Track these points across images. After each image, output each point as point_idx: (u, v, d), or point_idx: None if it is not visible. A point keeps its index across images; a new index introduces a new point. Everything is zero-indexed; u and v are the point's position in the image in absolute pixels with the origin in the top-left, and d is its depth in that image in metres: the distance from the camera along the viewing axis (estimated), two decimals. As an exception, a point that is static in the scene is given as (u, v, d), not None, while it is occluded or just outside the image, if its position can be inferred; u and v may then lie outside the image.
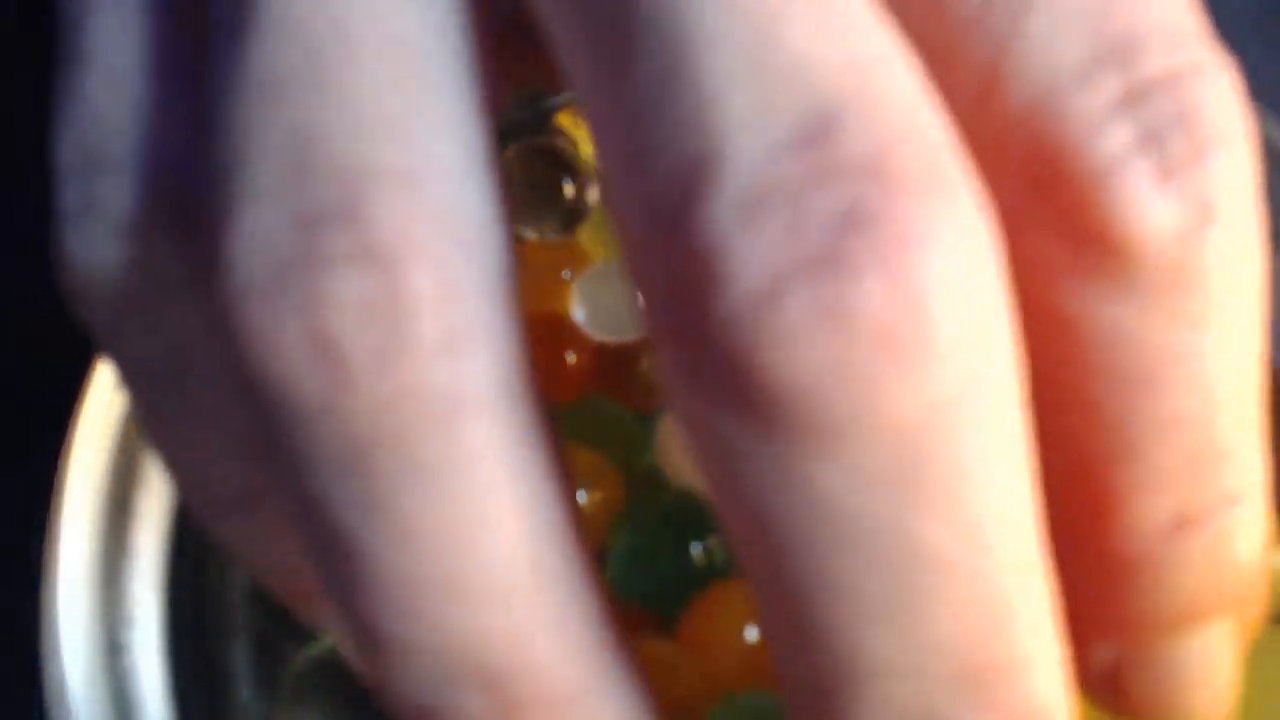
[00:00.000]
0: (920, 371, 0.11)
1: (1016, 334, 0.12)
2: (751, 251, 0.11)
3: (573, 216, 0.20)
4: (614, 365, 0.22)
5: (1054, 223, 0.13)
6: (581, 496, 0.20)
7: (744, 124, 0.11)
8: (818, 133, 0.11)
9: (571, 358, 0.22)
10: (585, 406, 0.21)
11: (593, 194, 0.20)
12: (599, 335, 0.22)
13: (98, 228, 0.14)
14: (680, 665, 0.20)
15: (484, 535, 0.12)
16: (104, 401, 0.21)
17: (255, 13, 0.13)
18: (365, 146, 0.12)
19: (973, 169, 0.12)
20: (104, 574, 0.20)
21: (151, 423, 0.16)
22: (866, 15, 0.12)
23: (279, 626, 0.21)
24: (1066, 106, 0.13)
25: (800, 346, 0.11)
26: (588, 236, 0.22)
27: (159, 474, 0.21)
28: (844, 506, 0.11)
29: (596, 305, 0.22)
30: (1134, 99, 0.13)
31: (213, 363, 0.14)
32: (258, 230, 0.12)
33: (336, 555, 0.13)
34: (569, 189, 0.20)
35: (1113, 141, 0.12)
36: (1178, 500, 0.14)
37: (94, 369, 0.21)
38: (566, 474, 0.13)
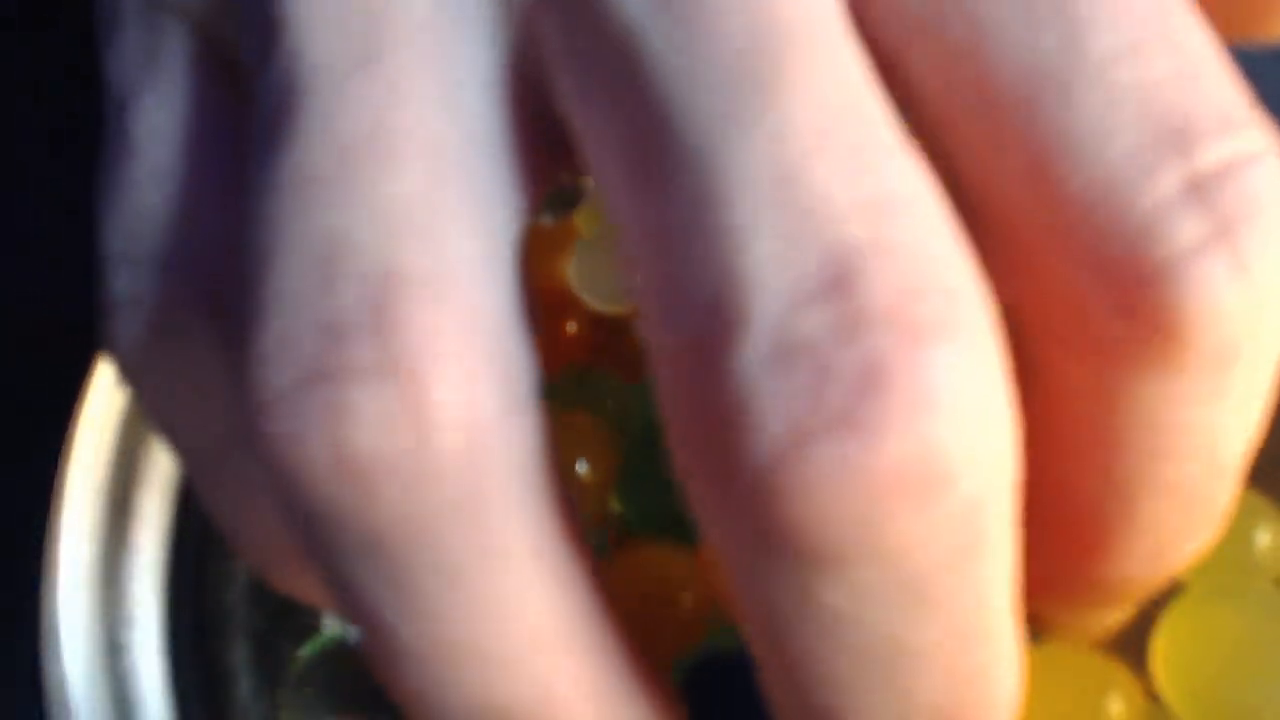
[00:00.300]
0: (930, 514, 0.12)
1: (1019, 454, 0.13)
2: (776, 405, 0.12)
3: (568, 200, 0.20)
4: (607, 336, 0.22)
5: (1113, 310, 0.13)
6: (581, 466, 0.20)
7: (769, 272, 0.12)
8: (840, 281, 0.12)
9: (572, 327, 0.22)
10: (578, 378, 0.21)
11: (588, 179, 0.20)
12: (593, 301, 0.22)
13: (142, 320, 0.14)
14: (692, 577, 0.20)
15: (509, 616, 0.13)
16: (104, 402, 0.21)
17: (295, 114, 0.13)
18: (393, 252, 0.12)
19: (1010, 263, 0.13)
20: (104, 574, 0.20)
21: (201, 488, 0.16)
22: (890, 147, 0.12)
23: (279, 626, 0.21)
24: (1128, 197, 0.13)
25: (820, 494, 0.12)
26: (583, 219, 0.22)
27: (159, 474, 0.21)
28: (848, 617, 0.12)
29: (591, 272, 0.21)
30: (1197, 189, 0.13)
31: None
32: (283, 338, 0.12)
33: (366, 626, 0.13)
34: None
35: (1183, 235, 0.13)
36: (1158, 542, 0.15)
37: (94, 369, 0.21)
38: (581, 534, 0.14)
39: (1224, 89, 0.13)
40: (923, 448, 0.12)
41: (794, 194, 0.12)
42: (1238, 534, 0.18)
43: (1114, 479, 0.14)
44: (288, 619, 0.21)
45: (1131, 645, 0.19)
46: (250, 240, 0.13)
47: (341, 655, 0.20)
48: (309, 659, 0.21)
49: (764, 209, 0.12)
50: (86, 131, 0.16)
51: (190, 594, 0.21)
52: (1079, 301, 0.13)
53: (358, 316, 0.12)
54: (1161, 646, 0.18)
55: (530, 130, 0.14)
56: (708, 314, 0.12)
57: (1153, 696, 0.18)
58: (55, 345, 0.21)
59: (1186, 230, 0.13)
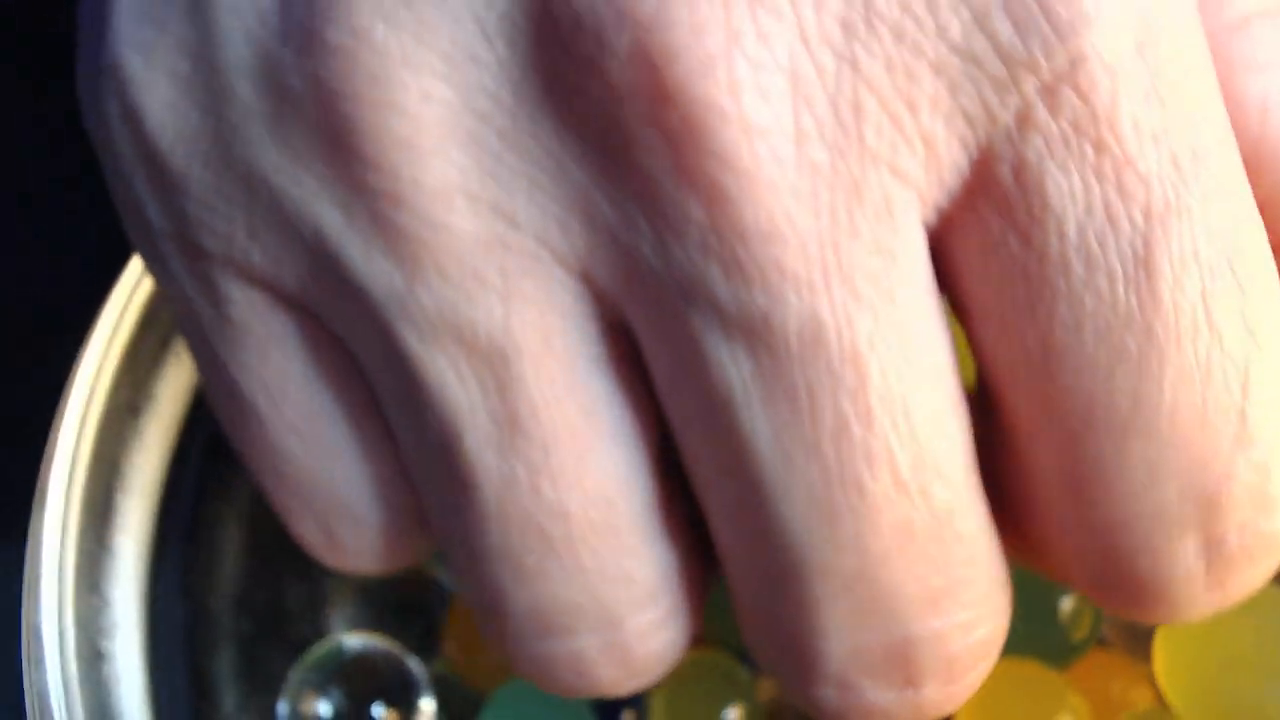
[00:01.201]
0: None
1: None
2: None
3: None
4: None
5: (1101, 599, 0.15)
6: None
7: (838, 650, 0.14)
8: (901, 665, 0.14)
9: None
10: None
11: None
12: None
13: (366, 556, 0.17)
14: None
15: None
16: (83, 405, 0.21)
17: (473, 487, 0.14)
18: (612, 618, 0.15)
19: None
20: (85, 581, 0.20)
21: None
22: (958, 531, 0.14)
23: (267, 634, 0.21)
24: (1148, 549, 0.14)
25: None
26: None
27: (141, 478, 0.21)
28: None
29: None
30: (1210, 550, 0.14)
31: None
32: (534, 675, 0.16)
33: None
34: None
35: (1187, 590, 0.14)
36: None
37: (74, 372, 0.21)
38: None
39: (1261, 470, 0.14)
40: None
41: (869, 591, 0.14)
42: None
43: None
44: (276, 627, 0.21)
45: (1138, 644, 0.19)
46: (480, 595, 0.15)
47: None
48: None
49: (841, 597, 0.14)
50: (86, 132, 0.16)
51: (174, 601, 0.21)
52: (1070, 568, 0.15)
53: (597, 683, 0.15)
54: (1164, 645, 0.18)
55: (633, 370, 0.14)
56: (789, 655, 0.15)
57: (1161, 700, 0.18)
58: (55, 345, 0.21)
59: (1192, 587, 0.14)
